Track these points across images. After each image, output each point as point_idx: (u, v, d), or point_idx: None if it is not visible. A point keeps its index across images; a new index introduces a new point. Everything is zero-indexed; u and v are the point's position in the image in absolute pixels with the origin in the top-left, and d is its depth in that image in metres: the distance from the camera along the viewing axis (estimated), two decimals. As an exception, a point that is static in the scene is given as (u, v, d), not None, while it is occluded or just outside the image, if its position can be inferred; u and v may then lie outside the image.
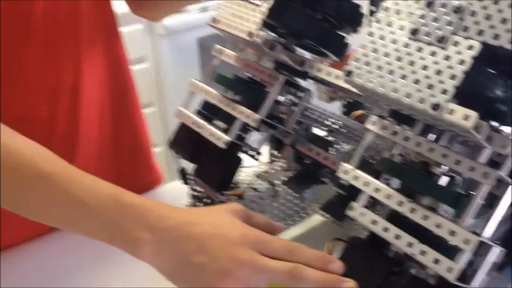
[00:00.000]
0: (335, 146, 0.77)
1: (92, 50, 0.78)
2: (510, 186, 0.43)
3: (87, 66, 0.78)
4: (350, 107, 0.82)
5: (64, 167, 0.55)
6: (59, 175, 0.54)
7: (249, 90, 0.64)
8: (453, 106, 0.39)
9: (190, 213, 0.56)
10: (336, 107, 0.84)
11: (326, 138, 0.75)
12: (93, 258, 0.75)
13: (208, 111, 0.69)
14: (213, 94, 0.67)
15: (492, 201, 0.45)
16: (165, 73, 1.85)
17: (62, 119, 0.77)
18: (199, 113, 0.70)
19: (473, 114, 0.38)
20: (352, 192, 0.52)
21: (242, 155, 0.69)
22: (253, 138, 0.69)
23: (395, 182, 0.49)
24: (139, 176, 0.94)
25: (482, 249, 0.43)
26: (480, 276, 0.43)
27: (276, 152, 0.79)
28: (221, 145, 0.63)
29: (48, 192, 0.53)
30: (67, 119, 0.78)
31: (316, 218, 0.84)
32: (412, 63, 0.42)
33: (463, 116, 0.38)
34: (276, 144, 0.76)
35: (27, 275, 0.76)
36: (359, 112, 0.77)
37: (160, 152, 1.87)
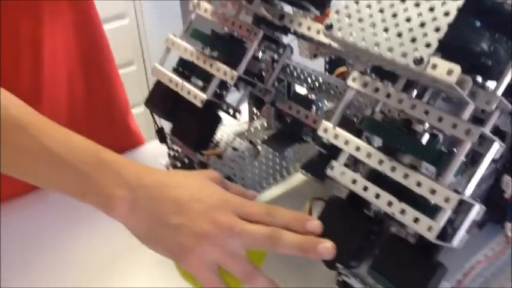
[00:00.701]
0: (317, 104, 0.75)
1: (55, 1, 0.74)
2: (495, 144, 0.41)
3: (49, 19, 0.73)
4: (333, 64, 0.80)
5: (40, 119, 0.52)
6: (34, 126, 0.51)
7: (226, 46, 0.61)
8: (436, 60, 0.37)
9: (169, 175, 0.55)
10: (319, 65, 0.82)
11: (307, 96, 0.73)
12: (79, 218, 0.73)
13: (185, 69, 0.67)
14: (190, 50, 0.64)
15: (474, 158, 0.44)
16: (146, 30, 1.79)
17: (24, 76, 0.73)
18: (176, 71, 0.67)
19: (456, 69, 0.36)
20: (333, 151, 0.50)
21: (222, 114, 0.67)
22: (234, 97, 0.67)
23: (378, 141, 0.48)
24: (116, 140, 0.89)
25: (463, 207, 0.42)
26: (460, 234, 0.42)
27: (256, 111, 0.77)
28: (198, 103, 0.61)
29: (22, 143, 0.50)
30: (29, 76, 0.74)
31: (298, 177, 0.83)
32: (394, 15, 0.40)
33: (446, 71, 0.36)
34: (256, 102, 0.74)
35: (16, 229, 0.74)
36: (342, 69, 0.75)
37: (141, 113, 1.82)
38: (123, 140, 0.92)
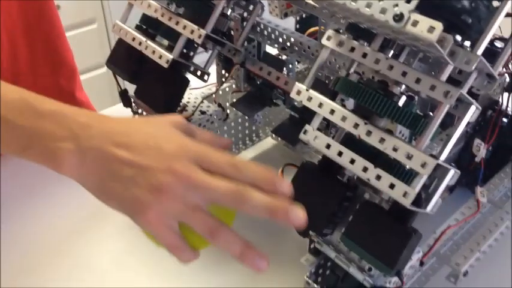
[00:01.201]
0: (288, 65, 0.72)
1: None
2: (472, 107, 0.40)
3: None
4: (304, 24, 0.77)
5: None
6: None
7: (193, 2, 0.57)
8: (417, 17, 0.35)
9: (120, 122, 0.47)
10: (289, 24, 0.79)
11: (279, 56, 0.70)
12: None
13: (150, 27, 0.63)
14: (154, 6, 0.60)
15: (444, 122, 0.43)
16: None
17: None
18: (139, 28, 0.63)
19: (438, 26, 0.34)
20: (306, 115, 0.48)
21: (189, 76, 0.64)
22: (203, 58, 0.64)
23: (352, 103, 0.46)
24: None
25: (438, 172, 0.41)
26: (435, 200, 0.41)
27: (225, 72, 0.74)
28: (163, 64, 0.57)
29: None
30: None
31: (268, 142, 0.82)
32: (373, -33, 0.37)
33: (427, 28, 0.34)
34: (226, 63, 0.71)
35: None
36: (314, 28, 0.72)
37: (103, 74, 1.77)
38: None
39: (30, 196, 0.71)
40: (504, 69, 0.64)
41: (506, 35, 0.55)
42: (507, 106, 0.64)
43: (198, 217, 0.42)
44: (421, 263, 0.50)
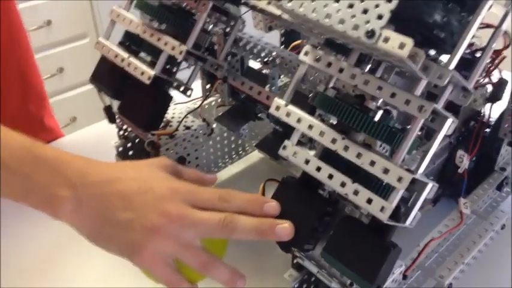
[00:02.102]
0: (271, 79, 0.73)
1: None
2: (448, 120, 0.40)
3: None
4: (289, 37, 0.77)
5: None
6: None
7: (174, 19, 0.57)
8: (388, 33, 0.35)
9: (113, 167, 0.51)
10: (275, 38, 0.79)
11: (261, 71, 0.70)
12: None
13: (132, 43, 0.63)
14: (136, 23, 0.60)
15: (428, 132, 0.43)
16: (98, 1, 1.70)
17: None
18: (122, 45, 0.63)
19: (409, 42, 0.34)
20: (289, 129, 0.48)
21: (173, 92, 0.64)
22: (188, 73, 0.64)
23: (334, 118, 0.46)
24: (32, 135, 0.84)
25: (416, 186, 0.41)
26: (413, 214, 0.41)
27: (210, 87, 0.74)
28: (145, 80, 0.57)
29: None
30: None
31: (255, 155, 0.82)
32: (346, -16, 0.38)
33: (398, 44, 0.34)
34: (210, 78, 0.71)
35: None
36: (297, 42, 0.72)
37: (93, 88, 1.74)
38: (39, 136, 0.85)
39: (14, 211, 0.70)
40: (486, 80, 0.64)
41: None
42: (489, 117, 0.64)
43: (191, 253, 0.45)
44: (404, 276, 0.50)
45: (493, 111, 0.65)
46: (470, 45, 0.63)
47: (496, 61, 0.62)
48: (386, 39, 0.35)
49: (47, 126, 0.88)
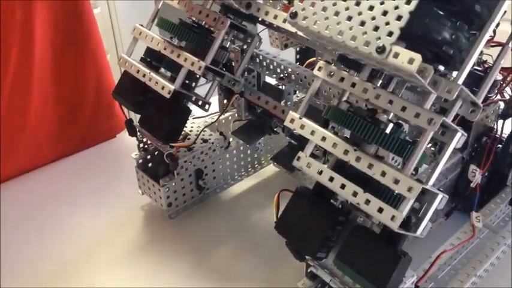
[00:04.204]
0: (286, 94, 0.75)
1: None
2: (457, 133, 0.42)
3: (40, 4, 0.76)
4: (303, 55, 0.80)
5: None
6: None
7: (193, 36, 0.60)
8: (398, 49, 0.37)
9: None
10: (291, 55, 0.81)
11: (277, 86, 0.73)
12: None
13: (153, 59, 0.65)
14: (157, 40, 0.63)
15: (442, 147, 0.44)
16: (118, 19, 1.75)
17: (13, 56, 0.75)
18: (143, 61, 0.66)
19: (417, 58, 0.36)
20: (304, 142, 0.50)
21: (192, 106, 0.66)
22: (205, 89, 0.66)
23: (347, 131, 0.48)
24: (103, 122, 0.93)
25: (426, 196, 0.42)
26: (424, 224, 0.42)
27: (227, 102, 0.76)
28: (165, 94, 0.60)
29: None
30: (18, 56, 0.76)
31: (271, 169, 0.83)
32: (358, 3, 0.40)
33: (407, 60, 0.36)
34: (227, 93, 0.73)
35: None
36: (312, 59, 0.74)
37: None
38: (109, 123, 0.94)
39: (33, 222, 0.73)
40: (498, 97, 0.66)
41: (506, 64, 0.57)
42: (501, 133, 0.65)
43: None
44: (416, 287, 0.51)
45: (505, 128, 0.66)
46: (483, 62, 0.64)
47: (508, 78, 0.64)
48: (396, 55, 0.37)
49: (116, 114, 0.95)
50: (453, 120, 0.43)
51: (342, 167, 0.46)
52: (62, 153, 0.89)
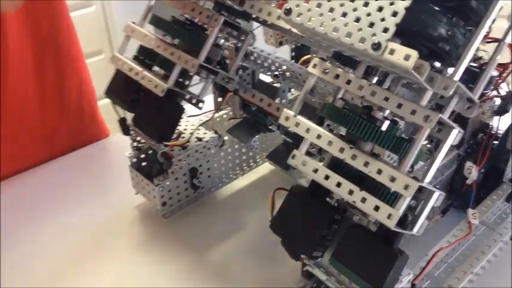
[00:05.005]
0: (281, 92, 0.74)
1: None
2: (454, 130, 0.41)
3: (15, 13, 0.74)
4: (298, 52, 0.79)
5: None
6: None
7: (187, 33, 0.59)
8: (394, 45, 0.36)
9: None
10: (286, 52, 0.81)
11: (272, 84, 0.72)
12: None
13: (146, 57, 0.65)
14: (150, 38, 0.62)
15: (438, 145, 0.44)
16: (113, 17, 1.74)
17: None
18: (136, 59, 0.65)
19: (413, 54, 0.35)
20: (299, 140, 0.50)
21: (186, 105, 0.66)
22: (201, 86, 0.66)
23: (343, 128, 0.47)
24: (85, 129, 0.92)
25: (423, 194, 0.42)
26: (420, 222, 0.42)
27: (222, 100, 0.75)
28: (159, 93, 0.59)
29: None
30: None
31: (266, 167, 0.83)
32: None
33: (403, 56, 0.36)
34: (222, 91, 0.73)
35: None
36: (307, 56, 0.74)
37: (109, 102, 1.77)
38: (91, 130, 0.93)
39: (32, 221, 0.72)
40: (494, 93, 0.65)
41: (502, 60, 0.56)
42: (497, 129, 0.65)
43: None
44: (413, 285, 0.50)
45: (501, 124, 0.65)
46: (479, 58, 0.64)
47: (504, 74, 0.63)
48: (392, 51, 0.36)
49: (99, 121, 0.95)
50: (449, 117, 0.43)
51: (337, 165, 0.45)
52: (49, 158, 0.87)
